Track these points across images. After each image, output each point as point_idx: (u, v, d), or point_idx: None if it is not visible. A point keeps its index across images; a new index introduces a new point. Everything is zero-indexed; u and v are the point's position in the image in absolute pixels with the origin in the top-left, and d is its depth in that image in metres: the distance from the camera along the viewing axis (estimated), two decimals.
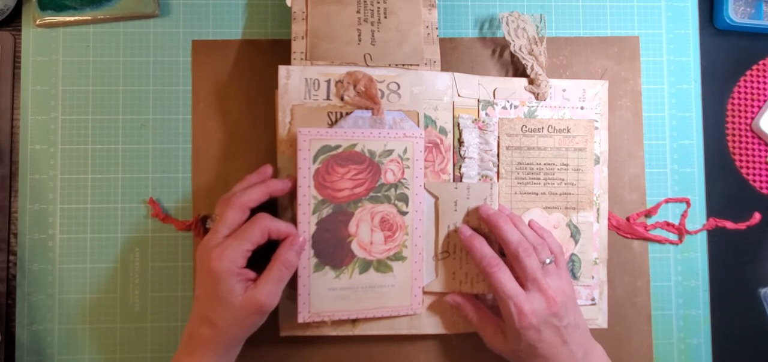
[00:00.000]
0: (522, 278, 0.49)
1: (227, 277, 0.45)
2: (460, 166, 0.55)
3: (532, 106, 0.56)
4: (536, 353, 0.48)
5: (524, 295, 0.48)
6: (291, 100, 0.52)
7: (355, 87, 0.52)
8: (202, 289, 0.47)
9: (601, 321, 0.57)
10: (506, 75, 0.58)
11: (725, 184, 0.60)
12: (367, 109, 0.52)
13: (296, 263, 0.48)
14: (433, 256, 0.54)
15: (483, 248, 0.51)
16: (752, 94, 0.60)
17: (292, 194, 0.50)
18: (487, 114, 0.55)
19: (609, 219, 0.58)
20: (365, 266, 0.51)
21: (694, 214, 0.59)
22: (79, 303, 0.55)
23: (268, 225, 0.47)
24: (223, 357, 0.47)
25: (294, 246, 0.48)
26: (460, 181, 0.55)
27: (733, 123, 0.60)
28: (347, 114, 0.52)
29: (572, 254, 0.56)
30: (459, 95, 0.55)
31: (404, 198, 0.52)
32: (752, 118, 0.60)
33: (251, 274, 0.47)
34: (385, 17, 0.55)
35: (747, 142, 0.60)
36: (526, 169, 0.56)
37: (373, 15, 0.55)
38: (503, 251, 0.51)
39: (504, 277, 0.49)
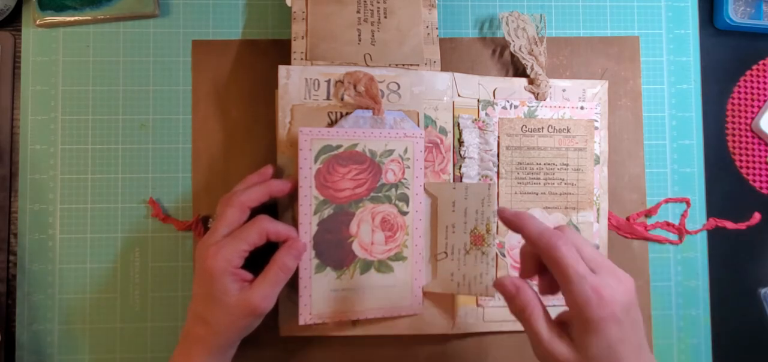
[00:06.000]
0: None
1: (222, 276, 0.45)
2: (460, 166, 0.55)
3: (532, 106, 0.56)
4: (616, 358, 0.37)
5: (598, 277, 0.37)
6: (291, 100, 0.52)
7: (355, 87, 0.52)
8: (198, 287, 0.47)
9: None
10: (506, 75, 0.58)
11: (725, 184, 0.60)
12: (367, 108, 0.52)
13: (294, 268, 0.48)
14: (429, 257, 0.54)
15: (536, 222, 0.41)
16: (752, 94, 0.60)
17: (293, 194, 0.50)
18: (487, 114, 0.55)
19: (609, 219, 0.57)
20: (366, 266, 0.51)
21: (694, 214, 0.59)
22: (79, 303, 0.55)
23: (267, 226, 0.46)
24: (217, 358, 0.47)
25: (292, 251, 0.47)
26: (461, 181, 0.55)
27: (733, 123, 0.60)
28: (347, 114, 0.52)
29: None
30: (459, 95, 0.55)
31: (405, 198, 0.52)
32: (752, 118, 0.60)
33: (248, 275, 0.46)
34: (385, 17, 0.55)
35: (747, 142, 0.60)
36: (526, 168, 0.56)
37: (373, 15, 0.55)
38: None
39: (571, 254, 0.38)
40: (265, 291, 0.46)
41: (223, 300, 0.45)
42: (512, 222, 0.42)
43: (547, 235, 0.39)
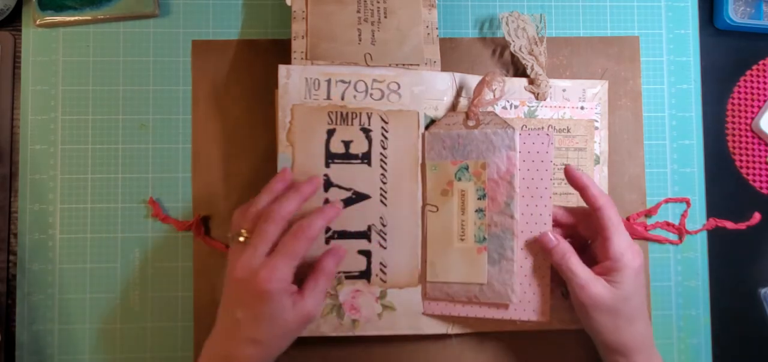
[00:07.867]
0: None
1: (279, 297, 0.44)
2: None
3: (532, 106, 0.56)
4: (641, 305, 0.48)
5: (629, 237, 0.48)
6: (291, 99, 0.52)
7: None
8: (246, 311, 0.45)
9: None
10: (506, 75, 0.58)
11: (725, 184, 0.60)
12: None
13: (335, 272, 0.49)
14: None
15: (596, 186, 0.49)
16: (752, 94, 0.60)
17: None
18: None
19: None
20: None
21: (694, 214, 0.59)
22: (79, 303, 0.55)
23: (314, 234, 0.46)
24: None
25: (337, 257, 0.49)
26: None
27: (733, 123, 0.60)
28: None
29: None
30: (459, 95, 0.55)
31: None
32: (752, 118, 0.60)
33: (294, 287, 0.46)
34: (385, 17, 0.55)
35: (747, 142, 0.60)
36: None
37: (373, 15, 0.55)
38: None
39: (617, 215, 0.48)
40: (318, 299, 0.47)
41: (281, 318, 0.45)
42: (578, 181, 0.49)
43: (603, 198, 0.48)
